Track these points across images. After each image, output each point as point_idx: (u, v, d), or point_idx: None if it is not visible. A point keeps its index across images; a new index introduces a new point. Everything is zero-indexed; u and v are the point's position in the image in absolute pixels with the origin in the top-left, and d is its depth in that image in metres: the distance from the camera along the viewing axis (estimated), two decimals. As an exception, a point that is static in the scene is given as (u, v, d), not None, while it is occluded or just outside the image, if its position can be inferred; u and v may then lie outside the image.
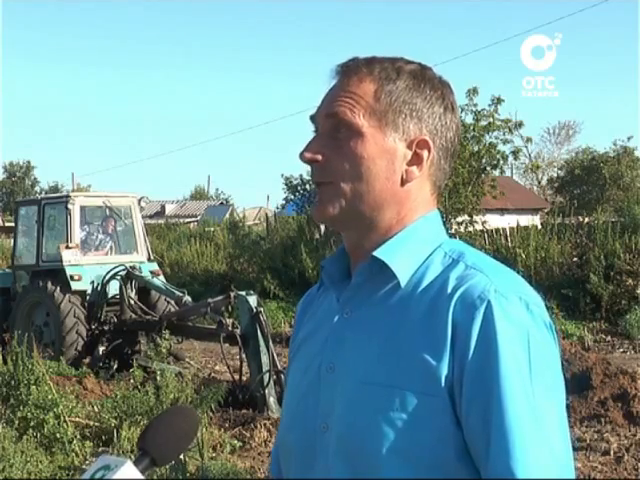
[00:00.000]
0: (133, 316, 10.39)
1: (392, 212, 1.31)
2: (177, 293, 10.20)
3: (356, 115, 1.30)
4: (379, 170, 1.29)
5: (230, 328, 8.69)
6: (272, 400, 8.25)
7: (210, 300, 9.41)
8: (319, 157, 1.31)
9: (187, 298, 9.93)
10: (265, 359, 8.37)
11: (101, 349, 10.44)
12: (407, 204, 1.32)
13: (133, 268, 10.59)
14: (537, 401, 1.16)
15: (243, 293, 8.90)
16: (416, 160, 1.31)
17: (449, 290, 1.23)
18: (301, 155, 1.32)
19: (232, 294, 8.98)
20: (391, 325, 1.26)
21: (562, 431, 1.18)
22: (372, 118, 1.30)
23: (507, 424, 1.15)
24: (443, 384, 1.19)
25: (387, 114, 1.30)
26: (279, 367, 8.38)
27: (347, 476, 1.24)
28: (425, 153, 1.31)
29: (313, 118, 1.36)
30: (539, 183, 42.61)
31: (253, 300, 8.67)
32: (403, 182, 1.31)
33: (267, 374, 8.26)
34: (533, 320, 1.21)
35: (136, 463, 1.26)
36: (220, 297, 9.38)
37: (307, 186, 21.63)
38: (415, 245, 1.31)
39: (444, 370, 1.19)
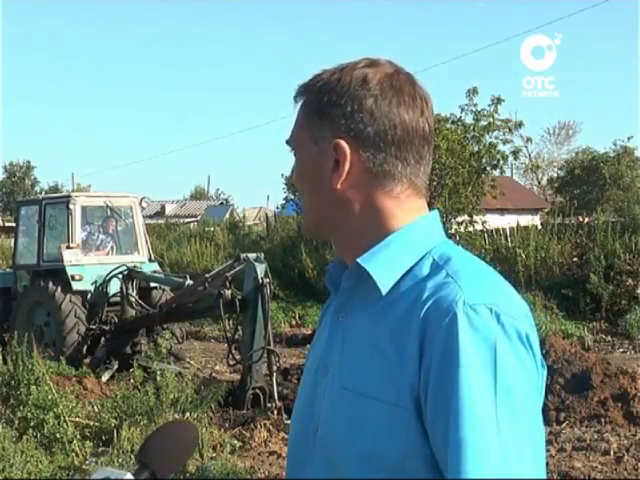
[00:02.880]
0: (134, 314, 10.36)
1: (352, 217, 1.33)
2: (178, 280, 10.18)
3: (294, 138, 1.40)
4: (314, 183, 1.36)
5: (229, 298, 8.50)
6: (256, 370, 8.25)
7: (207, 275, 9.33)
8: (293, 179, 1.44)
9: (189, 282, 9.78)
10: (260, 328, 8.30)
11: (102, 349, 10.43)
12: (357, 207, 1.33)
13: (135, 267, 10.59)
14: (499, 413, 1.14)
15: (253, 256, 8.72)
16: (338, 166, 1.32)
17: (422, 299, 1.22)
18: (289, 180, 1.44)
19: (242, 256, 8.80)
20: (370, 332, 1.27)
21: (525, 449, 1.16)
22: (303, 136, 1.37)
23: (462, 436, 1.13)
24: (411, 396, 1.19)
25: (309, 128, 1.35)
26: (272, 346, 8.38)
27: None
28: (344, 156, 1.31)
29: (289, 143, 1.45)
30: (539, 183, 42.65)
31: (261, 270, 8.44)
32: (336, 188, 1.32)
33: (259, 350, 8.21)
34: (503, 332, 1.18)
35: (136, 475, 1.26)
36: (224, 264, 9.25)
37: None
38: (401, 251, 1.30)
39: (412, 382, 1.19)
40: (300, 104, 1.38)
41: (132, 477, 1.25)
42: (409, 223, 1.33)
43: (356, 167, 1.32)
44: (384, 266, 1.29)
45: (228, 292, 8.57)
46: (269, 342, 8.28)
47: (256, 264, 8.48)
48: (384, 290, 1.28)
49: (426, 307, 1.21)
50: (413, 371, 1.19)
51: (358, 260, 1.30)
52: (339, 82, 1.33)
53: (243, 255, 8.87)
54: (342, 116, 1.32)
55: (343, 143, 1.31)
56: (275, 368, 8.25)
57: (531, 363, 1.21)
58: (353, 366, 1.27)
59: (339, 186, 1.32)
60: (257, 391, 8.22)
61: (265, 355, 8.24)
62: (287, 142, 1.41)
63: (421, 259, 1.30)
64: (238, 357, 8.64)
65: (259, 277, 8.35)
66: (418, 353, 1.19)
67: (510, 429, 1.14)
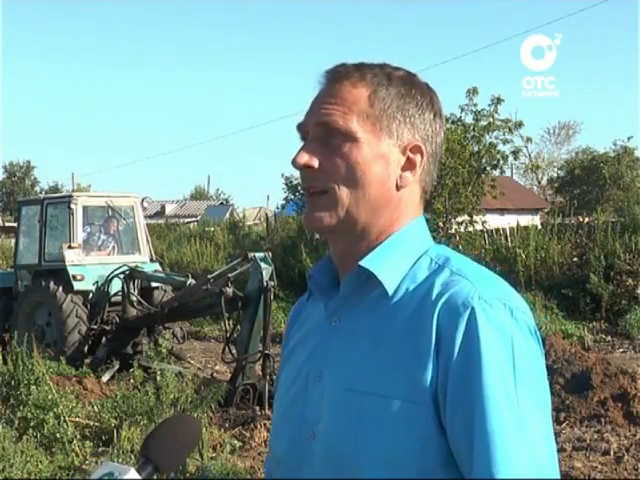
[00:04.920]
0: (135, 313, 10.35)
1: (385, 217, 1.32)
2: (179, 279, 10.18)
3: (349, 121, 1.29)
4: (374, 175, 1.29)
5: (231, 295, 8.50)
6: (250, 367, 8.27)
7: (210, 276, 9.31)
8: (314, 162, 1.29)
9: (191, 281, 9.79)
10: (258, 328, 8.28)
11: (103, 349, 10.42)
12: (399, 209, 1.33)
13: (136, 267, 10.59)
14: (521, 407, 1.17)
15: (261, 256, 8.69)
16: (410, 165, 1.32)
17: (433, 297, 1.23)
18: (294, 161, 1.30)
19: (250, 255, 8.78)
20: (377, 332, 1.27)
21: (546, 437, 1.19)
22: (366, 123, 1.30)
23: (490, 431, 1.15)
24: (428, 392, 1.20)
25: (381, 119, 1.30)
26: (269, 350, 8.39)
27: None
28: (418, 158, 1.33)
29: (300, 126, 1.34)
30: (539, 183, 42.67)
31: (267, 273, 8.41)
32: (397, 187, 1.32)
33: (256, 353, 8.25)
34: (517, 326, 1.21)
35: (139, 470, 1.27)
36: (228, 265, 9.23)
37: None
38: (402, 252, 1.31)
39: (428, 378, 1.20)
40: (370, 91, 1.31)
41: (135, 472, 1.25)
42: (407, 224, 1.34)
43: (420, 172, 1.34)
44: (388, 267, 1.30)
45: (230, 290, 8.58)
46: (265, 346, 8.29)
47: (262, 265, 8.45)
48: (391, 291, 1.28)
49: (440, 303, 1.22)
50: (430, 366, 1.20)
51: (361, 263, 1.30)
52: (414, 84, 1.35)
53: (251, 254, 8.86)
54: (423, 121, 1.34)
55: (423, 148, 1.33)
56: (268, 371, 8.27)
57: (541, 357, 1.25)
58: (359, 368, 1.26)
59: (405, 187, 1.33)
60: (247, 387, 8.25)
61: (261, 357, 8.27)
62: (328, 122, 1.29)
63: (418, 259, 1.31)
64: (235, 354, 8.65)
65: (264, 280, 8.34)
66: (434, 348, 1.20)
67: (532, 424, 1.18)
